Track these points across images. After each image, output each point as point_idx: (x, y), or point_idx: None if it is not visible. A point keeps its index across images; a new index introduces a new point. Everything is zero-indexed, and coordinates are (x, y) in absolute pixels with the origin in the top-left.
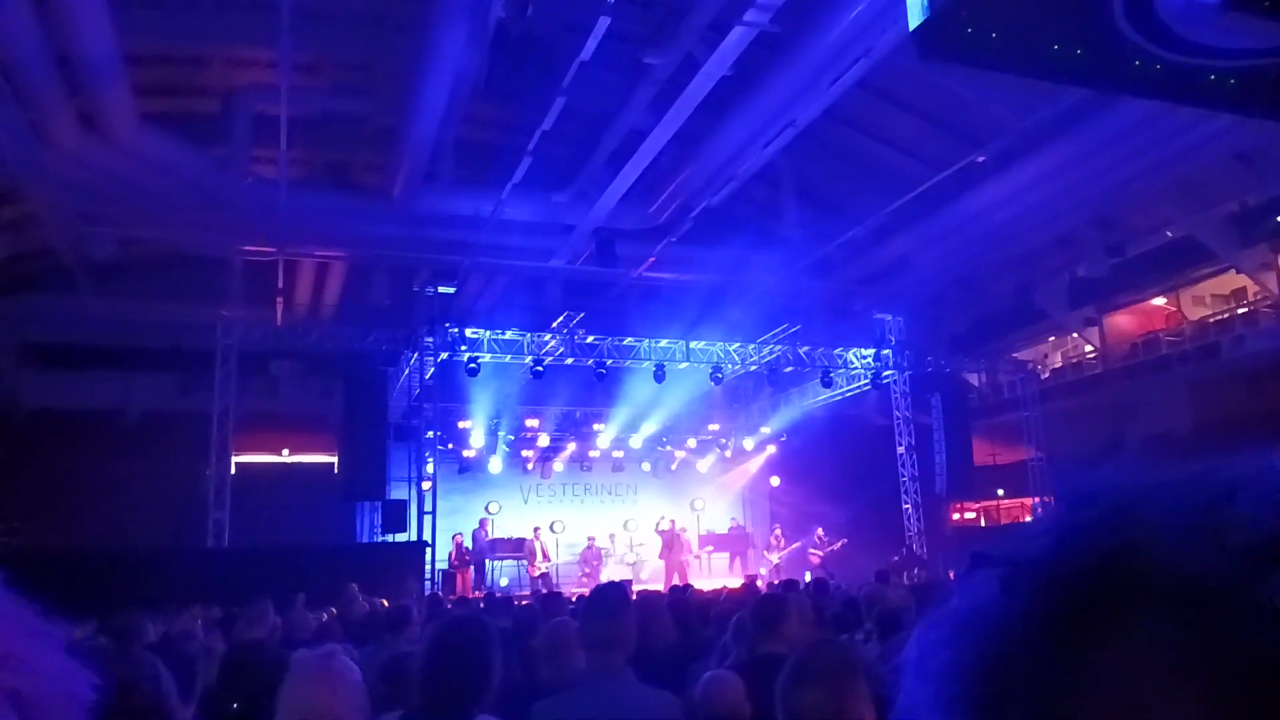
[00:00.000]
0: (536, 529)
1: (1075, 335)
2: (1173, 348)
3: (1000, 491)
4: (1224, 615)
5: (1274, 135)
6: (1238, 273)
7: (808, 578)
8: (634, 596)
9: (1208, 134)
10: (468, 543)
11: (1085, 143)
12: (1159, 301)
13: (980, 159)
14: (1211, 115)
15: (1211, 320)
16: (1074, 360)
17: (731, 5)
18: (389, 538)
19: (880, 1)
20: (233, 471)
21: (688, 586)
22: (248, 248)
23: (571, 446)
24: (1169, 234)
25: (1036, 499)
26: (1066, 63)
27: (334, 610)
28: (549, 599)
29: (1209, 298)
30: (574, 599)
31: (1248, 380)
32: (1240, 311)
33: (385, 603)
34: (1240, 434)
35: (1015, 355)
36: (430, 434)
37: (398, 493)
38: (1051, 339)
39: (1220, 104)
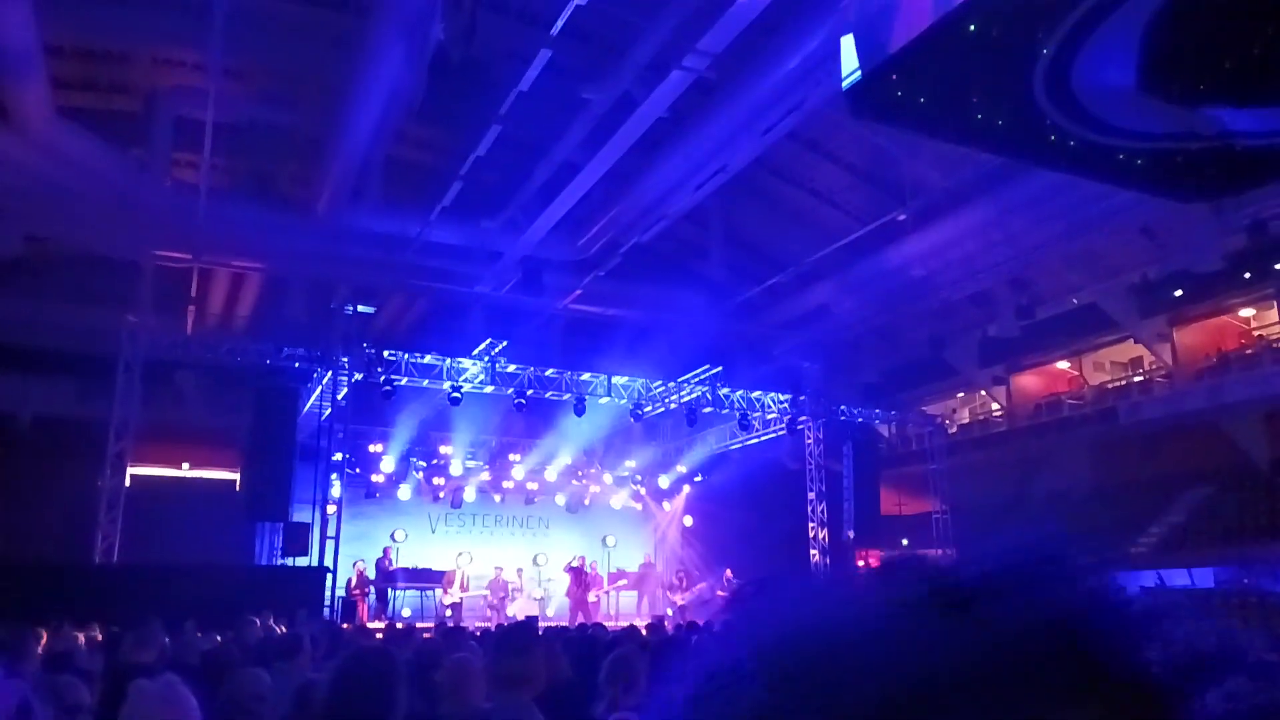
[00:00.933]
0: (459, 554)
1: (984, 392)
2: (1074, 410)
3: (905, 541)
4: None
5: (1176, 212)
6: (1136, 342)
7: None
8: (541, 631)
9: (1116, 205)
10: (370, 571)
11: (1002, 206)
12: (1063, 365)
13: (901, 216)
14: (1119, 190)
15: (1110, 385)
16: (981, 417)
17: (671, 48)
18: (289, 561)
19: (815, 57)
20: (128, 484)
21: (596, 624)
22: (162, 253)
23: (484, 476)
24: (1075, 301)
25: (939, 550)
26: (988, 131)
27: (227, 635)
28: (451, 632)
29: (1109, 364)
30: (478, 632)
31: (1143, 445)
32: (1137, 379)
33: (282, 628)
34: (1135, 497)
35: (925, 408)
36: (338, 456)
37: (301, 515)
38: (961, 394)
39: (1128, 182)
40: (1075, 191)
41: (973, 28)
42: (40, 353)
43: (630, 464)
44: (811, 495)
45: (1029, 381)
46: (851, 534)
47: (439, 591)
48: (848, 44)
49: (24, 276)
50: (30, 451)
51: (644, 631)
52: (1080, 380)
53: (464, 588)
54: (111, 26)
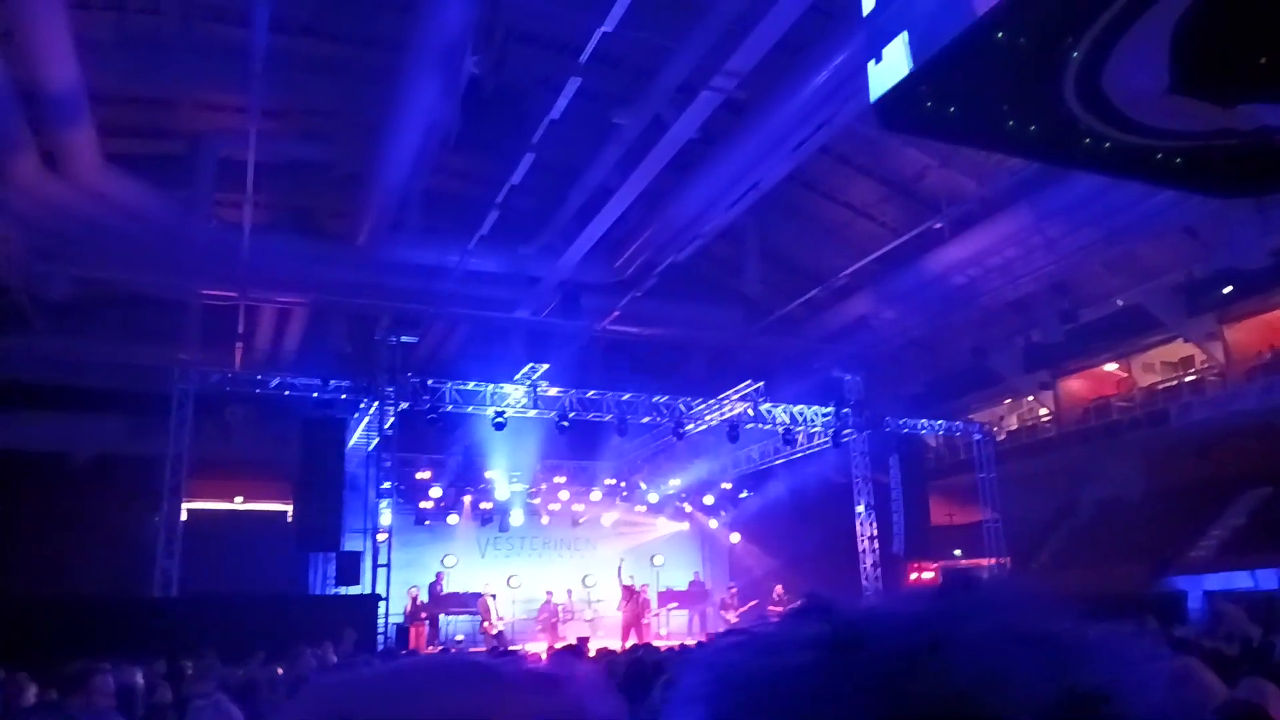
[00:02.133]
0: (487, 585)
1: (1030, 398)
2: (1124, 413)
3: (957, 552)
4: None
5: (1218, 209)
6: (1185, 341)
7: None
8: (592, 653)
9: (1157, 206)
10: (424, 596)
11: (1040, 211)
12: (1111, 367)
13: (938, 225)
14: (1159, 189)
15: (1160, 387)
16: (1029, 423)
17: (700, 70)
18: (343, 590)
19: (843, 72)
20: (184, 518)
21: (646, 645)
22: (208, 291)
23: (531, 499)
24: (1119, 303)
25: (993, 560)
26: (1020, 138)
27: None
28: (503, 656)
29: (1159, 364)
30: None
31: (1196, 447)
32: (1188, 379)
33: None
34: (1189, 500)
35: (972, 417)
36: (387, 484)
37: (352, 544)
38: (1007, 401)
39: (1167, 181)
40: (1114, 194)
41: (1000, 35)
42: (94, 392)
43: (675, 483)
44: (860, 508)
45: (1077, 385)
46: (901, 546)
47: (482, 619)
48: (895, 47)
49: (76, 318)
50: (87, 489)
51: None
52: (1130, 382)
53: (499, 616)
54: (155, 73)
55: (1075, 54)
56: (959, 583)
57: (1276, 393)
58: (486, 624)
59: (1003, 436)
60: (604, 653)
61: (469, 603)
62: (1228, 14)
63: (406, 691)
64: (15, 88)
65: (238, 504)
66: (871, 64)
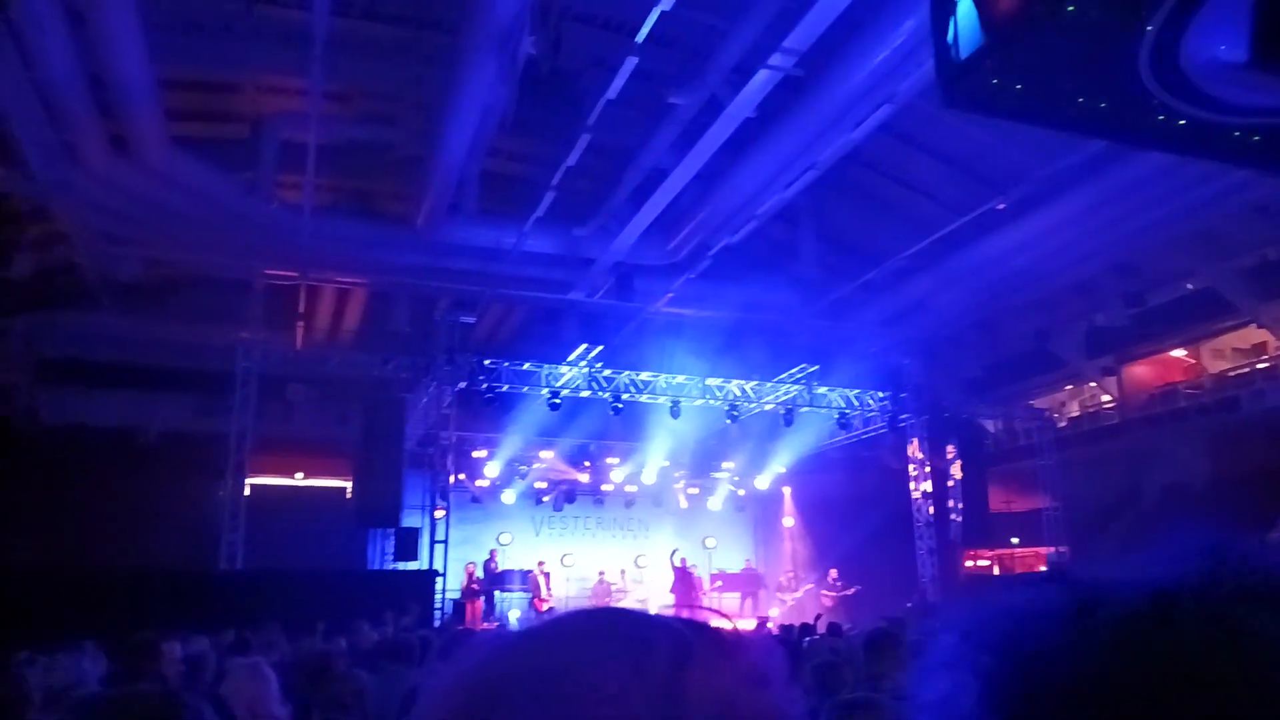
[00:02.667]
0: (541, 562)
1: (1093, 384)
2: (1191, 400)
3: (1015, 539)
4: None
5: None
6: (1258, 327)
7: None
8: None
9: (1228, 185)
10: (479, 573)
11: (1106, 190)
12: (1178, 353)
13: (1000, 205)
14: (1233, 168)
15: (1231, 374)
16: (1091, 409)
17: (756, 48)
18: (400, 565)
19: (904, 48)
20: (247, 493)
21: None
22: (270, 272)
23: (584, 479)
24: (1189, 286)
25: (1051, 548)
26: (1090, 115)
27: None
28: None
29: (1229, 351)
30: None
31: (1267, 435)
32: (1261, 366)
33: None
34: (1257, 488)
35: (1032, 402)
36: (445, 462)
37: (410, 520)
38: (1069, 387)
39: (1243, 160)
40: (1184, 173)
41: (1071, 8)
42: (163, 371)
43: (728, 465)
44: (917, 494)
45: (1142, 371)
46: (958, 533)
47: (532, 596)
48: (960, 21)
49: (145, 299)
50: (154, 465)
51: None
52: (1198, 368)
53: (549, 590)
54: (219, 57)
55: (1150, 26)
56: (1195, 548)
57: None
58: (537, 599)
59: (1064, 423)
60: None
61: (523, 579)
62: None
63: (579, 647)
64: (85, 73)
65: (298, 480)
66: (935, 39)
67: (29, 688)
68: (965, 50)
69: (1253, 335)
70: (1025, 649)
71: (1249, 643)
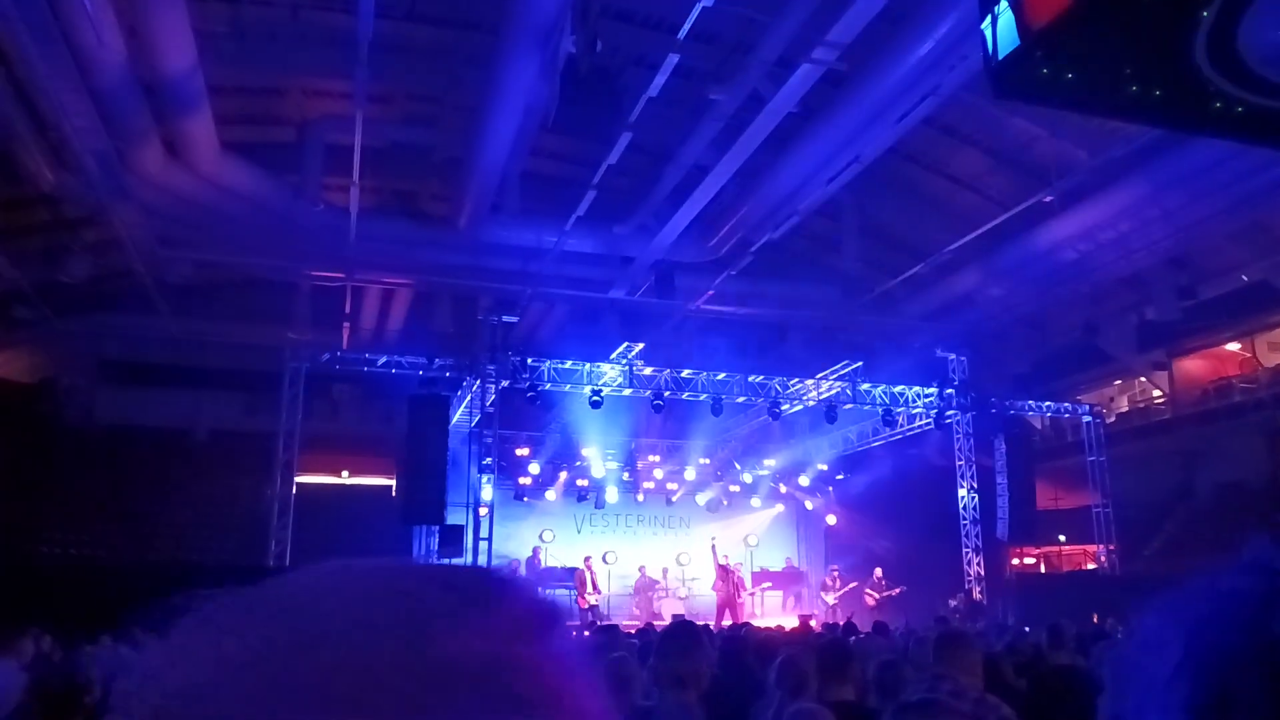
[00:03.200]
0: (588, 558)
1: (1143, 379)
2: (1247, 394)
3: (1062, 537)
4: None
5: None
6: None
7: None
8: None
9: None
10: (523, 570)
11: (1157, 182)
12: (1232, 346)
13: (1048, 198)
14: None
15: None
16: (1141, 404)
17: (799, 42)
18: (446, 561)
19: (950, 38)
20: (294, 491)
21: (746, 624)
22: (317, 273)
23: (625, 477)
24: (1244, 278)
25: (1100, 545)
26: (1144, 104)
27: None
28: (606, 630)
29: None
30: (632, 631)
31: None
32: None
33: None
34: None
35: (1080, 398)
36: (488, 460)
37: (454, 518)
38: (1118, 382)
39: None
40: (1238, 162)
41: None
42: (212, 371)
43: (770, 463)
44: (962, 491)
45: (1193, 365)
46: (1005, 531)
47: (576, 593)
48: (1010, 8)
49: (196, 300)
50: (205, 463)
51: (797, 631)
52: (1253, 362)
53: (595, 588)
54: (267, 63)
55: (1206, 11)
56: None
57: None
58: (582, 597)
59: (1113, 418)
60: (703, 630)
61: (566, 577)
62: None
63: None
64: (139, 80)
65: (344, 478)
66: (984, 28)
67: (90, 678)
68: (1015, 39)
69: None
70: (1227, 636)
71: None
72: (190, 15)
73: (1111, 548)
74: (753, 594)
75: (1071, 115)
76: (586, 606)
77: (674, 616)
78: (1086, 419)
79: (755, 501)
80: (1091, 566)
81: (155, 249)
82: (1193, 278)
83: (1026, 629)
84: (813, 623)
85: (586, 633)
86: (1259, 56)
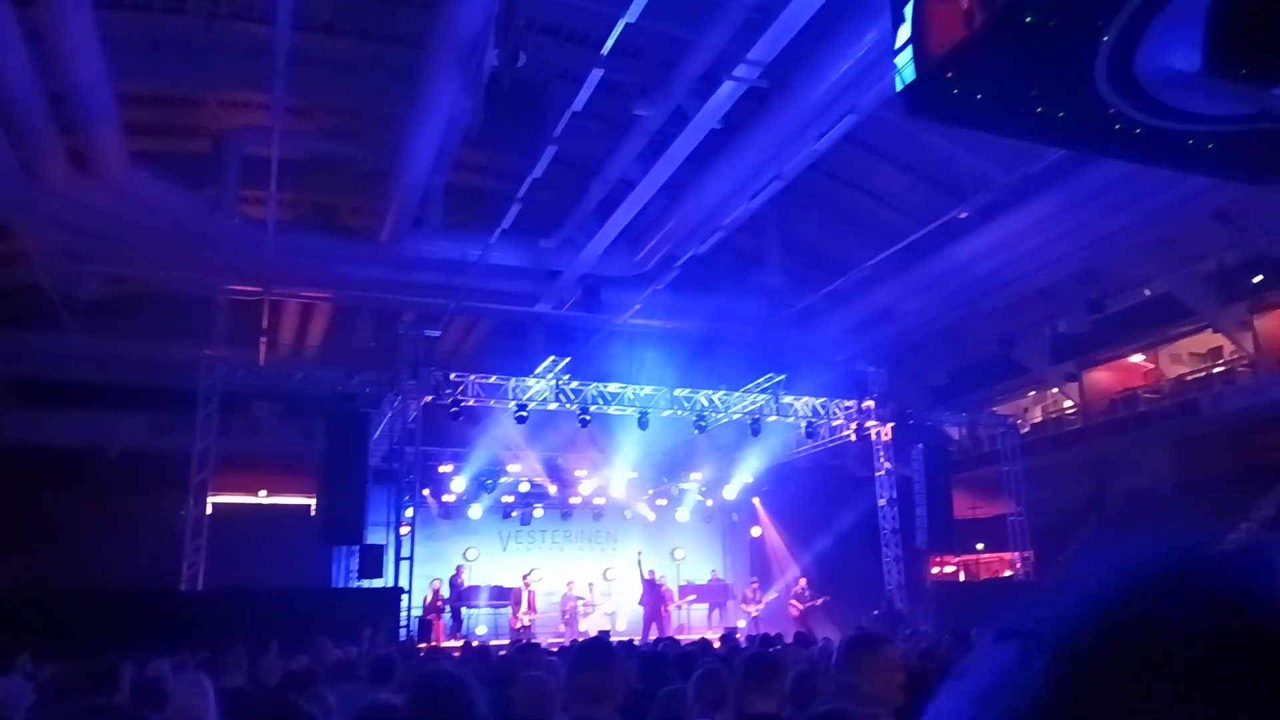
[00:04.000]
0: (525, 577)
1: (1056, 390)
2: (1152, 404)
3: (980, 545)
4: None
5: (1251, 195)
6: (1215, 331)
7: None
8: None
9: (1187, 192)
10: (445, 590)
11: (1067, 197)
12: (1138, 358)
13: (963, 214)
14: (1191, 175)
15: (1190, 378)
16: (1054, 415)
17: (722, 59)
18: (365, 582)
19: (867, 58)
20: (210, 512)
21: (668, 638)
22: (233, 288)
23: (552, 492)
24: (1148, 291)
25: (1016, 553)
26: (1049, 124)
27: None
28: (526, 649)
29: (1187, 355)
30: (554, 649)
31: (1227, 438)
32: (1217, 370)
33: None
34: (1222, 493)
35: (996, 409)
36: (410, 478)
37: (375, 537)
38: (1032, 393)
39: (1198, 167)
40: (1143, 180)
41: (1029, 19)
42: (122, 389)
43: (696, 476)
44: (882, 501)
45: (1103, 377)
46: (924, 540)
47: (511, 611)
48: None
49: (106, 316)
50: (116, 484)
51: (717, 645)
52: (1157, 373)
53: (531, 608)
54: (181, 73)
55: (1106, 36)
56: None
57: None
58: (515, 616)
59: (1027, 429)
60: (625, 645)
61: (494, 595)
62: None
63: None
64: (44, 88)
65: (262, 498)
66: (897, 50)
67: None
68: (902, 81)
69: (1209, 340)
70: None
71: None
72: (99, 22)
73: (1027, 555)
74: (679, 607)
75: (988, 133)
76: (518, 626)
77: (599, 632)
78: (1001, 430)
79: (682, 515)
80: (1009, 574)
81: (62, 263)
82: (1102, 291)
83: (947, 636)
84: (739, 635)
85: (502, 653)
86: (1156, 81)
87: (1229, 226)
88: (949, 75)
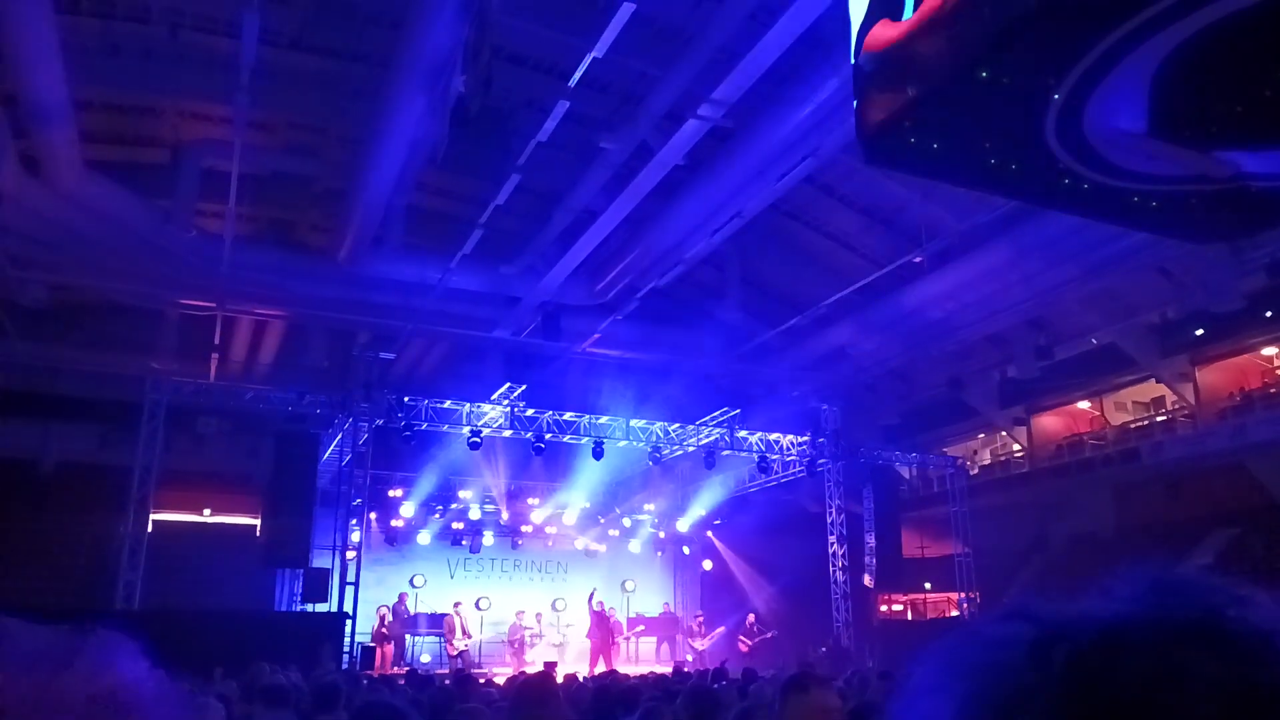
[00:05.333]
0: (457, 604)
1: (1004, 433)
2: (1096, 450)
3: (928, 584)
4: None
5: (1192, 252)
6: (1157, 382)
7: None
8: (560, 679)
9: (1131, 247)
10: (390, 616)
11: (1018, 247)
12: (1084, 405)
13: (918, 258)
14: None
15: (1133, 426)
16: (1003, 458)
17: (687, 97)
18: (310, 607)
19: (829, 104)
20: (150, 530)
21: (613, 672)
22: (186, 301)
23: (504, 520)
24: (1094, 341)
25: (962, 593)
26: (1001, 176)
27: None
28: (463, 680)
29: (1131, 404)
30: (493, 679)
31: (1166, 485)
32: (1159, 419)
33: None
34: (1159, 539)
35: (946, 449)
36: (359, 502)
37: (321, 561)
38: (981, 435)
39: (1142, 224)
40: (1091, 233)
41: (984, 74)
42: (64, 400)
43: (649, 508)
44: (832, 538)
45: (1050, 422)
46: (872, 578)
47: (445, 639)
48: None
49: (50, 324)
50: (52, 498)
51: (668, 677)
52: (1102, 420)
53: (465, 634)
54: (140, 81)
55: (1057, 95)
56: (1153, 584)
57: (1246, 434)
58: (450, 643)
59: (975, 470)
60: (571, 679)
61: (436, 623)
62: (1207, 61)
63: None
64: None
65: (206, 516)
66: (857, 98)
67: None
68: (885, 110)
69: (1152, 390)
70: (993, 681)
71: (1189, 683)
72: (58, 26)
73: (973, 595)
74: (627, 639)
75: (942, 182)
76: (455, 653)
77: (545, 664)
78: (950, 470)
79: (633, 546)
80: (955, 614)
81: (7, 269)
82: (1050, 339)
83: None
84: (687, 669)
85: (447, 681)
86: (1103, 140)
87: (1171, 281)
88: (906, 125)
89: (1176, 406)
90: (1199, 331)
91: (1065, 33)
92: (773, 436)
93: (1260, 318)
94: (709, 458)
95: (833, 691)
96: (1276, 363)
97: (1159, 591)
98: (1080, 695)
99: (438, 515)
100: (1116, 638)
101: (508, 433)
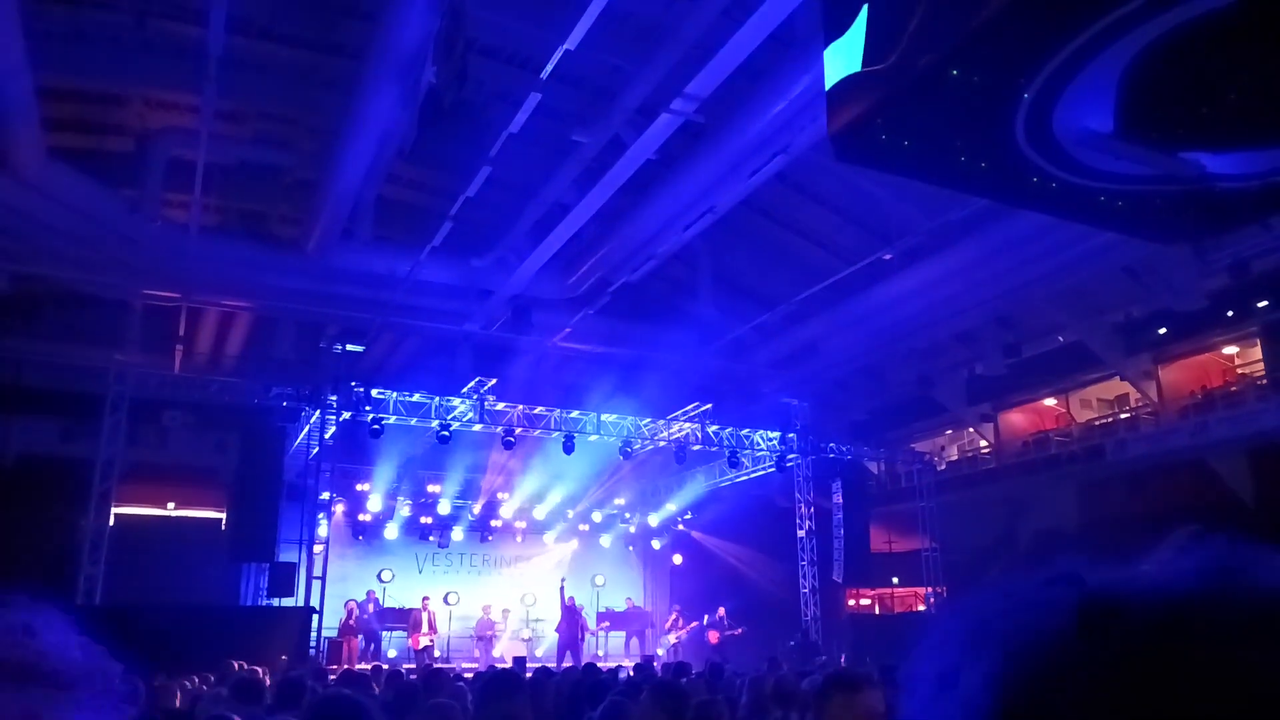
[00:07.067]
0: (425, 598)
1: (972, 430)
2: (1062, 447)
3: (895, 579)
4: None
5: (1157, 252)
6: (1121, 379)
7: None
8: (528, 673)
9: (1097, 246)
10: (356, 611)
11: (987, 245)
12: (1050, 402)
13: (887, 256)
14: (1102, 230)
15: (1097, 423)
16: (970, 454)
17: (660, 92)
18: (275, 601)
19: (801, 100)
20: (112, 523)
21: (587, 665)
22: (150, 292)
23: (473, 514)
24: (1061, 339)
25: (929, 588)
26: (971, 174)
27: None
28: (432, 675)
29: (1095, 401)
30: (462, 673)
31: (1129, 482)
32: (1123, 416)
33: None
34: (1121, 534)
35: (914, 446)
36: (326, 495)
37: (287, 555)
38: (949, 432)
39: (1109, 223)
40: (1058, 232)
41: (955, 73)
42: (25, 391)
43: (619, 502)
44: (802, 533)
45: (1017, 419)
46: (841, 573)
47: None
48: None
49: (11, 315)
50: (13, 491)
51: (633, 673)
52: (1067, 417)
53: (432, 628)
54: (106, 69)
55: (1026, 95)
56: (1207, 562)
57: (1207, 431)
58: (415, 637)
59: (943, 466)
60: (541, 671)
61: (403, 618)
62: (1173, 65)
63: None
64: None
65: (170, 510)
66: (828, 94)
67: None
68: (857, 108)
69: (1116, 387)
70: (1035, 646)
71: (1258, 672)
72: (21, 11)
73: (940, 590)
74: (594, 634)
75: (913, 180)
76: (420, 648)
77: (514, 659)
78: (918, 466)
79: (604, 541)
80: (922, 608)
81: None
82: (1018, 337)
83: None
84: (656, 664)
85: (414, 676)
86: (1072, 140)
87: (1136, 281)
88: (878, 122)
89: (1140, 404)
90: (1162, 330)
91: (1034, 33)
92: (744, 432)
93: (1222, 317)
94: (680, 453)
95: (880, 695)
96: (1237, 361)
97: (1222, 573)
98: (1137, 681)
99: (406, 509)
100: (1182, 623)
101: (478, 427)
